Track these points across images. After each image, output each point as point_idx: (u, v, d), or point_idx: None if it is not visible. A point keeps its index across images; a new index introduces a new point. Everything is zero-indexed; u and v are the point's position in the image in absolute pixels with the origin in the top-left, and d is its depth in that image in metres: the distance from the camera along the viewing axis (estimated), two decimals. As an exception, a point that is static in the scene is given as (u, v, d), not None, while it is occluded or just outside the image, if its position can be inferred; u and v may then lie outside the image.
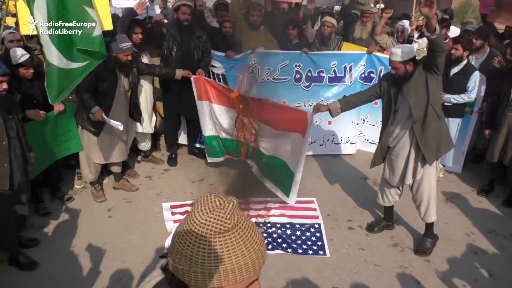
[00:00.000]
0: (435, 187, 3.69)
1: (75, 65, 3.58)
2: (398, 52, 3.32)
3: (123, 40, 4.06)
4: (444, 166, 5.18)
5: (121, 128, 4.07)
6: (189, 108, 4.89)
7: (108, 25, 3.80)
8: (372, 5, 7.00)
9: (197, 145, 5.58)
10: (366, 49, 5.39)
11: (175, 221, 4.11)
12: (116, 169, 4.64)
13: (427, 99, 3.37)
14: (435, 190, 3.69)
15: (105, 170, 4.75)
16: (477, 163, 5.37)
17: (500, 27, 6.29)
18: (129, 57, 4.13)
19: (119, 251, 3.73)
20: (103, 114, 3.97)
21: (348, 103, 3.85)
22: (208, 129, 4.77)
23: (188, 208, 4.31)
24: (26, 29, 3.80)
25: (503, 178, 4.82)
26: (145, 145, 5.18)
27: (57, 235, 3.92)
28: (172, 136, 5.37)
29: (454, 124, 4.87)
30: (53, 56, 3.49)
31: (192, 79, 4.62)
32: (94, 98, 4.00)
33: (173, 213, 4.25)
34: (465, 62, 4.64)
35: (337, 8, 6.66)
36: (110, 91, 4.17)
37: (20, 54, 3.77)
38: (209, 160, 4.96)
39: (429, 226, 3.84)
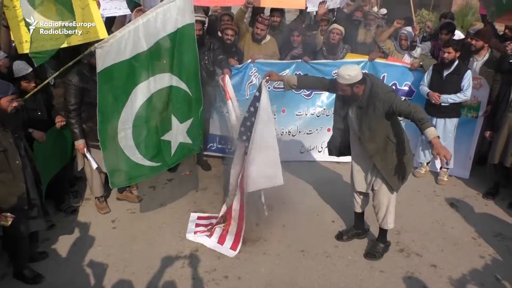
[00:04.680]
0: (395, 196, 3.65)
1: (148, 163, 3.87)
2: (344, 75, 3.26)
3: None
4: (448, 169, 5.16)
5: (94, 166, 4.13)
6: None
7: (103, 33, 3.85)
8: (376, 8, 6.98)
9: (214, 154, 5.65)
10: (367, 57, 5.38)
11: (195, 232, 4.08)
12: None
13: (382, 132, 3.38)
14: (394, 199, 3.66)
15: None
16: (481, 165, 5.35)
17: (500, 28, 6.30)
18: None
19: (123, 262, 3.72)
20: (85, 150, 4.05)
21: (306, 82, 3.83)
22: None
23: (214, 221, 4.23)
24: (21, 48, 3.78)
25: (507, 181, 4.79)
26: None
27: (61, 247, 3.92)
28: None
29: (451, 124, 4.89)
30: (130, 151, 3.74)
31: (220, 79, 4.58)
32: (88, 115, 3.96)
33: (197, 225, 4.19)
34: (457, 62, 4.71)
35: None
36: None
37: (22, 68, 3.80)
38: None
39: (383, 232, 3.82)
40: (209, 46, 4.89)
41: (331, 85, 3.61)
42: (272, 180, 3.86)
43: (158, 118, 3.81)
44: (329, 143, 3.88)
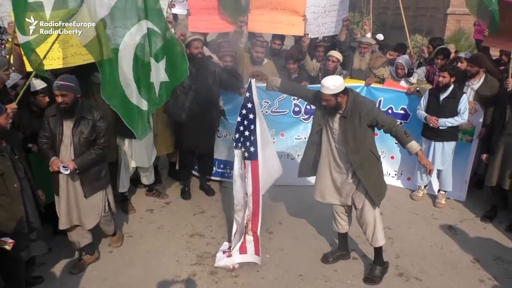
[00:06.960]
0: (378, 210, 3.68)
1: (145, 106, 3.86)
2: (329, 85, 3.33)
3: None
4: (446, 192, 5.16)
5: (65, 172, 3.52)
6: (204, 143, 4.92)
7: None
8: (369, 35, 7.12)
9: (213, 177, 5.65)
10: (364, 82, 5.46)
11: (224, 253, 4.01)
12: (108, 230, 4.15)
13: (366, 145, 3.47)
14: (379, 214, 3.68)
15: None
16: (479, 188, 5.36)
17: (494, 53, 6.41)
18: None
19: (118, 287, 3.67)
20: (59, 164, 3.51)
21: (287, 87, 3.87)
22: None
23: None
24: (29, 66, 3.87)
25: (505, 203, 4.80)
26: (146, 179, 5.03)
27: (57, 272, 3.86)
28: (187, 170, 5.38)
29: (449, 147, 4.94)
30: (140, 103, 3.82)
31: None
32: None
33: (223, 252, 4.05)
34: (452, 86, 4.81)
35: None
36: (54, 140, 3.64)
37: (38, 82, 3.91)
38: None
39: (378, 253, 3.79)
40: (212, 70, 4.94)
41: (314, 97, 3.66)
42: (277, 173, 4.08)
43: (143, 64, 3.82)
44: (301, 163, 3.87)
